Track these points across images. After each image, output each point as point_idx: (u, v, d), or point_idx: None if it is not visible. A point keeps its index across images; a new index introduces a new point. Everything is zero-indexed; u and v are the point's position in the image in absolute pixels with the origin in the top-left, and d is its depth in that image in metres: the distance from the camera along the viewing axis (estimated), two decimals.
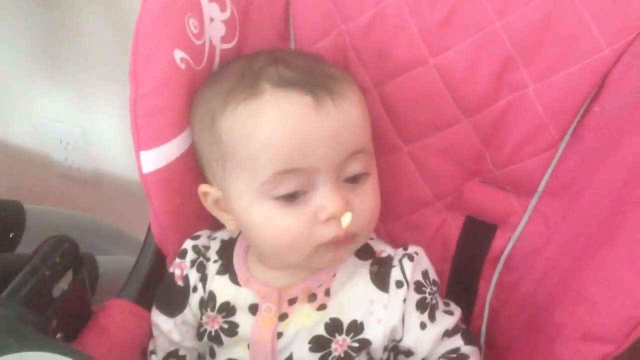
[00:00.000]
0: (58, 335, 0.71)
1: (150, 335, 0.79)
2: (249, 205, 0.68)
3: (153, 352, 0.78)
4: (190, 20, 0.71)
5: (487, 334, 0.85)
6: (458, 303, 0.80)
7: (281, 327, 0.72)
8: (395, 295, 0.71)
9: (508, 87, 0.73)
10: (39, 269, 0.66)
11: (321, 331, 0.71)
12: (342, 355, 0.71)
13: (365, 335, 0.71)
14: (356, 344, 0.71)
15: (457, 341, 0.73)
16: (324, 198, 0.65)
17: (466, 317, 0.83)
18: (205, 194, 0.74)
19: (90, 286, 0.89)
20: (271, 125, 0.65)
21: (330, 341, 0.71)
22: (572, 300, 0.69)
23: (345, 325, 0.71)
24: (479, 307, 0.84)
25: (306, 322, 0.72)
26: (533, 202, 0.78)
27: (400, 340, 0.71)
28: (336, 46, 0.79)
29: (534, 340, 0.74)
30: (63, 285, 0.70)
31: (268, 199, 0.66)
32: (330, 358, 0.71)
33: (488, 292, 0.83)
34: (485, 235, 0.82)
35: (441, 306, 0.74)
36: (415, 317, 0.71)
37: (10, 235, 1.01)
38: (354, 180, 0.68)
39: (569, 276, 0.71)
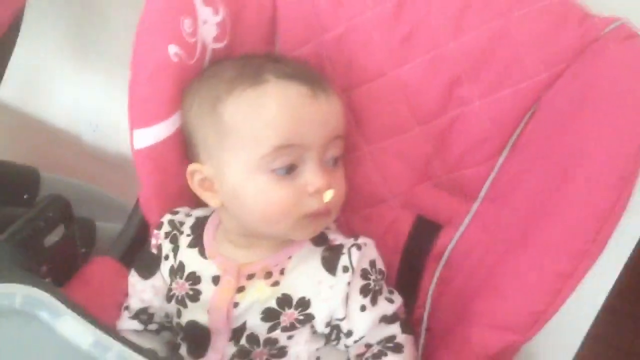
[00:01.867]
0: (47, 280, 0.83)
1: (127, 294, 0.90)
2: (245, 178, 0.78)
3: (127, 307, 0.88)
4: (185, 21, 0.83)
5: (428, 321, 0.93)
6: (404, 292, 0.89)
7: (238, 298, 0.81)
8: (341, 278, 0.80)
9: (456, 101, 0.83)
10: (34, 220, 0.78)
11: (273, 304, 0.80)
12: (288, 325, 0.80)
13: (310, 310, 0.80)
14: (302, 317, 0.80)
15: (394, 329, 0.81)
16: (312, 174, 0.77)
17: (410, 306, 0.92)
18: (193, 172, 0.84)
19: (87, 247, 1.02)
20: (275, 107, 0.76)
21: (280, 313, 0.80)
22: (490, 293, 0.79)
23: (294, 301, 0.80)
24: (421, 298, 0.93)
25: (260, 295, 0.81)
26: (474, 207, 0.87)
27: (342, 319, 0.80)
28: (315, 54, 0.89)
29: (460, 327, 0.83)
30: (54, 237, 0.82)
31: (264, 172, 0.77)
32: (278, 327, 0.80)
33: (431, 285, 0.92)
34: (431, 234, 0.91)
35: (385, 293, 0.83)
36: (358, 300, 0.80)
37: (25, 197, 1.14)
38: (332, 163, 0.80)
39: (491, 273, 0.80)
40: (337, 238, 0.84)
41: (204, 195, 0.84)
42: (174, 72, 0.84)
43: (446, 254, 0.90)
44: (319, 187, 0.77)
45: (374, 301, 0.81)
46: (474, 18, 0.80)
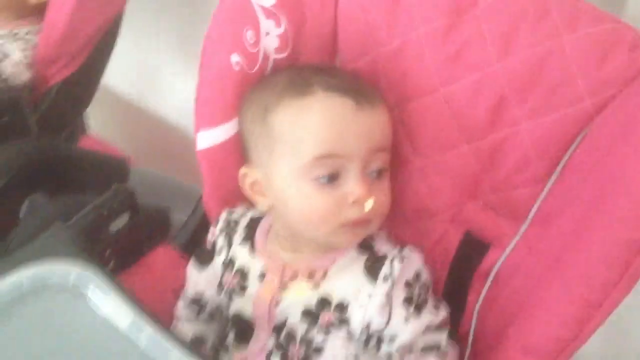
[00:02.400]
0: (111, 263, 0.92)
1: (184, 283, 0.97)
2: (290, 184, 0.82)
3: (183, 297, 0.96)
4: (247, 32, 0.88)
5: (474, 339, 0.93)
6: (451, 307, 0.90)
7: (280, 296, 0.86)
8: (380, 287, 0.81)
9: (502, 123, 0.83)
10: (98, 209, 0.86)
11: (312, 305, 0.84)
12: (325, 326, 0.84)
13: (347, 315, 0.83)
14: (338, 321, 0.83)
15: (439, 337, 0.82)
16: (353, 184, 0.80)
17: (456, 321, 0.93)
18: (244, 175, 0.89)
19: (162, 235, 1.09)
20: (319, 117, 0.80)
21: (318, 315, 0.84)
22: (525, 317, 0.78)
23: (333, 304, 0.83)
24: (468, 315, 0.93)
25: (301, 295, 0.85)
26: (522, 229, 0.86)
27: (383, 330, 0.81)
28: (371, 67, 0.91)
29: (496, 349, 0.83)
30: (118, 224, 0.90)
31: (306, 180, 0.81)
32: (315, 328, 0.84)
33: (477, 302, 0.92)
34: (479, 251, 0.91)
35: (430, 305, 0.84)
36: (401, 312, 0.81)
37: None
38: (376, 174, 0.82)
39: (529, 296, 0.80)
40: (382, 248, 0.86)
41: (254, 198, 0.89)
42: (235, 80, 0.90)
43: (493, 272, 0.90)
44: (359, 197, 0.79)
45: (417, 312, 0.82)
46: (522, 40, 0.79)
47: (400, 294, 0.82)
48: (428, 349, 0.82)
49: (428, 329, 0.82)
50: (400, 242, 0.90)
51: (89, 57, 1.23)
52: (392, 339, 0.82)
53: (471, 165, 0.87)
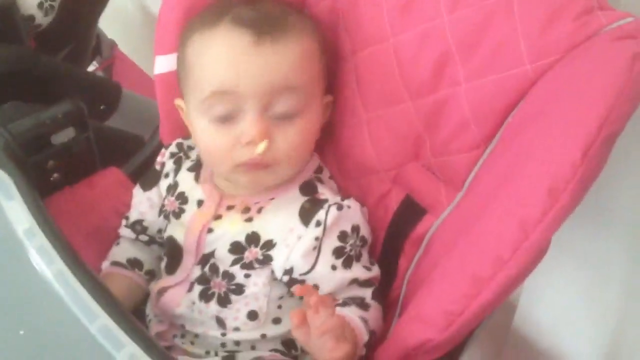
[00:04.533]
0: (55, 175, 0.93)
1: (129, 205, 0.97)
2: (194, 118, 0.83)
3: (126, 217, 0.96)
4: None
5: (402, 305, 0.89)
6: (384, 269, 0.88)
7: (213, 224, 0.85)
8: (311, 231, 0.80)
9: (446, 81, 0.78)
10: (40, 118, 0.87)
11: (242, 239, 0.83)
12: (247, 263, 0.82)
13: (271, 252, 0.81)
14: (262, 257, 0.82)
15: (364, 292, 0.80)
16: (246, 124, 0.78)
17: (387, 286, 0.90)
18: (179, 107, 0.89)
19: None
20: (217, 51, 0.78)
21: (245, 249, 0.83)
22: (425, 286, 0.75)
23: (261, 241, 0.82)
24: (398, 280, 0.89)
25: (232, 227, 0.84)
26: (457, 198, 0.81)
27: (306, 274, 0.80)
28: (332, 10, 0.88)
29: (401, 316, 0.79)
30: (63, 137, 0.91)
31: (205, 116, 0.80)
32: (239, 263, 0.83)
33: (408, 269, 0.88)
34: (415, 216, 0.86)
35: (363, 261, 0.82)
36: (328, 260, 0.80)
37: (101, 107, 1.26)
38: (283, 116, 0.78)
39: (437, 265, 0.75)
40: (325, 193, 0.84)
41: (190, 128, 0.88)
42: (195, 6, 0.87)
43: (425, 239, 0.86)
44: (250, 139, 0.77)
45: (346, 264, 0.80)
46: None
47: (331, 243, 0.80)
48: (350, 300, 0.80)
49: (353, 282, 0.80)
50: (347, 193, 0.87)
51: None
52: (315, 286, 0.80)
53: (414, 123, 0.83)
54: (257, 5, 0.81)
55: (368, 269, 0.82)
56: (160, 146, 1.00)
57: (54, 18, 1.20)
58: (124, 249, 0.95)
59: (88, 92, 1.22)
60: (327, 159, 0.94)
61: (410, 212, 0.87)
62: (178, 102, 0.88)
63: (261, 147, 0.77)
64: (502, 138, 0.74)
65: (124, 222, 0.96)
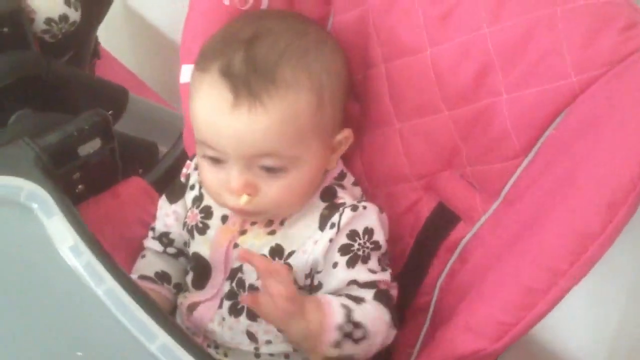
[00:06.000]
0: (79, 187, 0.92)
1: (153, 215, 0.96)
2: (197, 149, 0.83)
3: (152, 228, 0.95)
4: None
5: (434, 311, 0.91)
6: (411, 276, 0.89)
7: (239, 240, 0.85)
8: (326, 234, 0.80)
9: (485, 91, 0.78)
10: (68, 129, 0.86)
11: (266, 252, 0.83)
12: None
13: (290, 260, 0.82)
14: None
15: (365, 293, 0.79)
16: (230, 176, 0.77)
17: (412, 291, 0.91)
18: None
19: (147, 168, 1.09)
20: (199, 105, 0.77)
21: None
22: (475, 296, 0.76)
23: (285, 253, 0.82)
24: (428, 285, 0.90)
25: (258, 241, 0.84)
26: (494, 206, 0.83)
27: (319, 273, 0.81)
28: (362, 18, 0.87)
29: (446, 324, 0.80)
30: (89, 148, 0.89)
31: (200, 153, 0.80)
32: None
33: (440, 275, 0.89)
34: (449, 223, 0.88)
35: (370, 264, 0.81)
36: (333, 257, 0.80)
37: (110, 113, 1.23)
38: (268, 170, 0.77)
39: (483, 277, 0.77)
40: (345, 197, 0.84)
41: None
42: (225, 15, 0.87)
43: (460, 247, 0.87)
44: (232, 191, 0.78)
45: (350, 263, 0.80)
46: (515, 6, 0.74)
47: (339, 241, 0.80)
48: (345, 295, 0.79)
49: (352, 283, 0.79)
50: (373, 200, 0.87)
51: None
52: (319, 284, 0.81)
53: (450, 133, 0.83)
54: (252, 51, 0.75)
55: (373, 272, 0.80)
56: (183, 155, 1.00)
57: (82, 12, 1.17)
58: (152, 263, 0.93)
59: (97, 98, 1.20)
60: (354, 166, 0.94)
61: (444, 220, 0.88)
62: None
63: (243, 199, 0.77)
64: (544, 149, 0.75)
65: (150, 233, 0.95)
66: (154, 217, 0.96)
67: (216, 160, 0.78)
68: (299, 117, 0.75)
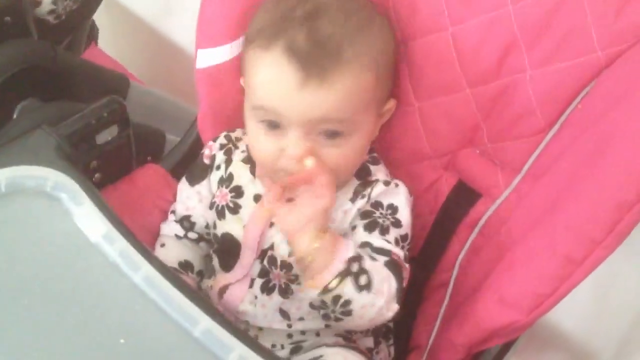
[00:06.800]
0: (96, 175, 0.90)
1: (173, 201, 0.95)
2: (248, 118, 0.82)
3: (173, 211, 0.94)
4: None
5: (454, 287, 0.92)
6: (430, 253, 0.89)
7: (275, 218, 0.83)
8: (356, 204, 0.82)
9: (508, 69, 0.79)
10: (87, 117, 0.85)
11: None
12: None
13: None
14: None
15: (378, 258, 0.78)
16: (290, 142, 0.77)
17: (430, 268, 0.93)
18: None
19: (154, 156, 1.08)
20: (263, 80, 0.78)
21: None
22: (505, 269, 0.77)
23: None
24: (446, 262, 0.92)
25: None
26: (516, 181, 0.84)
27: None
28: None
29: (473, 298, 0.81)
30: (106, 136, 0.88)
31: (255, 119, 0.80)
32: None
33: (461, 251, 0.90)
34: (469, 200, 0.89)
35: (388, 237, 0.80)
36: (354, 221, 0.82)
37: None
38: (328, 136, 0.77)
39: (512, 249, 0.78)
40: (377, 174, 0.85)
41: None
42: (241, 1, 0.86)
43: (480, 223, 0.88)
44: (292, 157, 0.77)
45: (368, 228, 0.80)
46: None
47: (362, 207, 0.82)
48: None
49: (365, 245, 0.79)
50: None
51: None
52: None
53: (472, 110, 0.84)
54: (314, 28, 0.76)
55: (388, 241, 0.80)
56: (198, 140, 0.99)
57: None
58: (174, 252, 0.92)
59: (99, 85, 1.19)
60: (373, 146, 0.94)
61: (464, 197, 0.90)
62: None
63: (308, 162, 0.76)
64: (569, 123, 0.76)
65: (171, 217, 0.94)
66: (170, 203, 0.95)
67: (275, 125, 0.78)
68: (361, 90, 0.77)
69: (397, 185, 0.83)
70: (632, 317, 1.16)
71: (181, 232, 0.92)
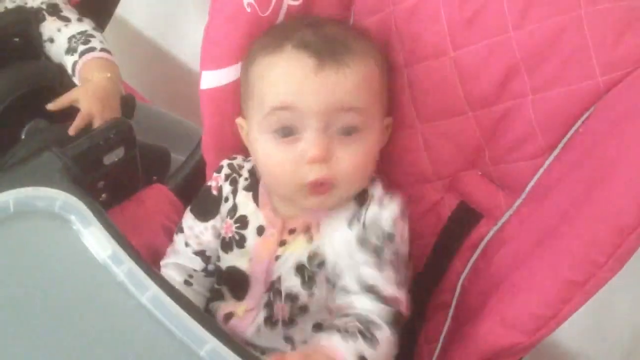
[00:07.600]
0: (103, 195, 0.92)
1: (178, 221, 0.95)
2: (256, 138, 0.83)
3: (186, 244, 0.91)
4: None
5: (456, 308, 0.92)
6: (432, 274, 0.91)
7: (279, 251, 0.85)
8: (354, 230, 0.82)
9: (510, 93, 0.81)
10: (94, 139, 0.86)
11: (304, 260, 0.83)
12: (309, 279, 0.83)
13: (324, 261, 0.83)
14: (316, 269, 0.83)
15: (381, 321, 0.76)
16: (308, 141, 0.78)
17: (430, 289, 0.94)
18: (240, 125, 0.88)
19: (160, 174, 1.09)
20: (279, 72, 0.79)
21: (307, 268, 0.83)
22: (507, 290, 0.78)
23: (324, 257, 0.83)
24: (447, 283, 0.92)
25: (297, 250, 0.84)
26: (517, 203, 0.85)
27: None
28: (384, 23, 0.89)
29: (475, 319, 0.82)
30: (114, 157, 0.89)
31: (267, 132, 0.80)
32: (304, 282, 0.83)
33: (463, 272, 0.91)
34: (471, 222, 0.89)
35: (389, 267, 0.79)
36: (356, 254, 0.81)
37: None
38: (345, 132, 0.79)
39: (515, 270, 0.79)
40: (374, 192, 0.84)
41: (250, 149, 0.88)
42: (246, 22, 0.87)
43: (482, 244, 0.89)
44: (315, 156, 0.77)
45: (375, 267, 0.79)
46: (540, 10, 0.77)
47: (359, 233, 0.82)
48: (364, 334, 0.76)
49: (373, 291, 0.78)
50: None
51: None
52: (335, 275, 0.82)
53: (474, 133, 0.85)
54: (320, 29, 0.81)
55: (391, 282, 0.79)
56: (202, 161, 1.00)
57: None
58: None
59: None
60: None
61: (466, 218, 0.90)
62: (239, 121, 0.88)
63: (322, 170, 0.78)
64: (570, 147, 0.78)
65: (188, 251, 0.91)
66: (175, 224, 0.95)
67: (288, 132, 0.78)
68: (373, 80, 0.81)
69: (391, 197, 0.83)
70: (632, 331, 1.17)
71: (201, 266, 0.91)
